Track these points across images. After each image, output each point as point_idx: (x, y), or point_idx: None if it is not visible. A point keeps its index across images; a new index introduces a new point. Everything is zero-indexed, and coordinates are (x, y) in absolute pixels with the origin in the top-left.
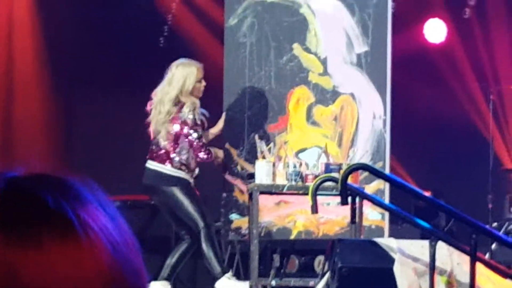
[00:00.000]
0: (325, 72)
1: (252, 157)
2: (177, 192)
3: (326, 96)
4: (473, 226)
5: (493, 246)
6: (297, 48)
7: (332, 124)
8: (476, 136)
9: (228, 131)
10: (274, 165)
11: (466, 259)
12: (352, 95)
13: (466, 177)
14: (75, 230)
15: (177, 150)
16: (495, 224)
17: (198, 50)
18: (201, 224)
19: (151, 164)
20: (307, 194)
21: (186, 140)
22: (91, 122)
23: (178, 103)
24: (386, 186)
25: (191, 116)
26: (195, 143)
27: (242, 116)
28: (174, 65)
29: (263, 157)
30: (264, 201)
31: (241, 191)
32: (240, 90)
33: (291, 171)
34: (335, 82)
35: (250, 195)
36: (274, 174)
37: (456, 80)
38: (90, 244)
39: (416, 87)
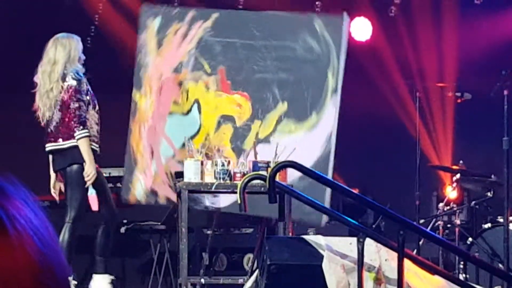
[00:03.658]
0: None
1: None
2: (75, 169)
3: None
4: (400, 222)
5: (421, 242)
6: None
7: None
8: (402, 133)
9: None
10: (202, 163)
11: (394, 255)
12: None
13: (393, 174)
14: (3, 223)
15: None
16: (422, 221)
17: (126, 49)
18: (70, 215)
19: (50, 146)
20: (235, 192)
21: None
22: (17, 124)
23: (64, 77)
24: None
25: (74, 83)
26: (71, 114)
27: None
28: (55, 39)
29: (191, 156)
30: None
31: None
32: None
33: (219, 170)
34: None
35: (179, 194)
36: (202, 172)
37: (383, 77)
38: (18, 236)
39: (342, 85)
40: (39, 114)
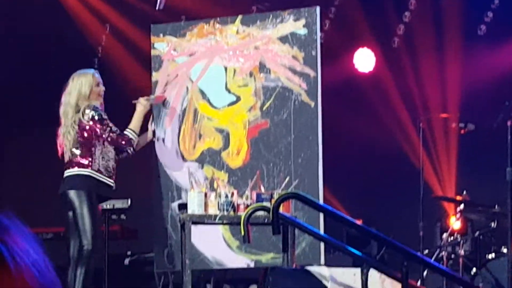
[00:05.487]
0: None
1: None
2: (84, 197)
3: None
4: (404, 253)
5: (425, 273)
6: None
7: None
8: (406, 164)
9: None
10: (206, 195)
11: (398, 286)
12: None
13: (397, 205)
14: (4, 257)
15: (95, 155)
16: (426, 252)
17: (129, 81)
18: (89, 242)
19: (67, 172)
20: (239, 224)
21: (101, 141)
22: (22, 156)
23: (79, 111)
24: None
25: (93, 113)
26: (112, 136)
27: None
28: (70, 78)
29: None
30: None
31: None
32: None
33: (223, 201)
34: None
35: (182, 225)
36: (206, 204)
37: (386, 108)
38: (18, 269)
39: (346, 116)
40: (62, 149)
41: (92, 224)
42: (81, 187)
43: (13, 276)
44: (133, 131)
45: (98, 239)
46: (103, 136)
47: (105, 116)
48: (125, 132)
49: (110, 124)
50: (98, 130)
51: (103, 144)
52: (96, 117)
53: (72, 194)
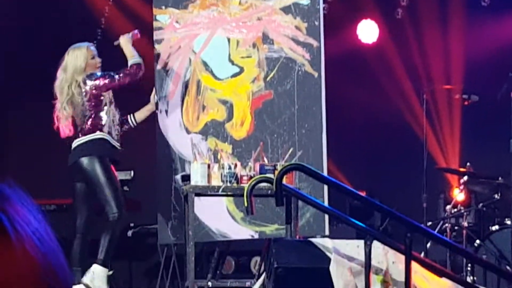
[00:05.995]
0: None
1: None
2: (98, 164)
3: None
4: (408, 225)
5: (428, 244)
6: None
7: None
8: (410, 136)
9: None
10: (209, 166)
11: (401, 258)
12: None
13: (400, 177)
14: (4, 226)
15: (103, 118)
16: (429, 223)
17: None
18: (114, 210)
19: (76, 141)
20: (242, 195)
21: (108, 99)
22: (26, 129)
23: (79, 85)
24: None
25: (92, 80)
26: (120, 75)
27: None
28: (66, 53)
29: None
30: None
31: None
32: None
33: (226, 173)
34: None
35: (186, 197)
36: (209, 175)
37: (390, 80)
38: (19, 238)
39: (350, 88)
40: (58, 124)
41: (113, 190)
42: (94, 152)
43: (13, 245)
44: (133, 58)
45: (123, 205)
46: (113, 82)
47: (99, 73)
48: (129, 63)
49: (111, 73)
50: (105, 83)
51: (110, 105)
52: (95, 78)
53: (85, 162)
